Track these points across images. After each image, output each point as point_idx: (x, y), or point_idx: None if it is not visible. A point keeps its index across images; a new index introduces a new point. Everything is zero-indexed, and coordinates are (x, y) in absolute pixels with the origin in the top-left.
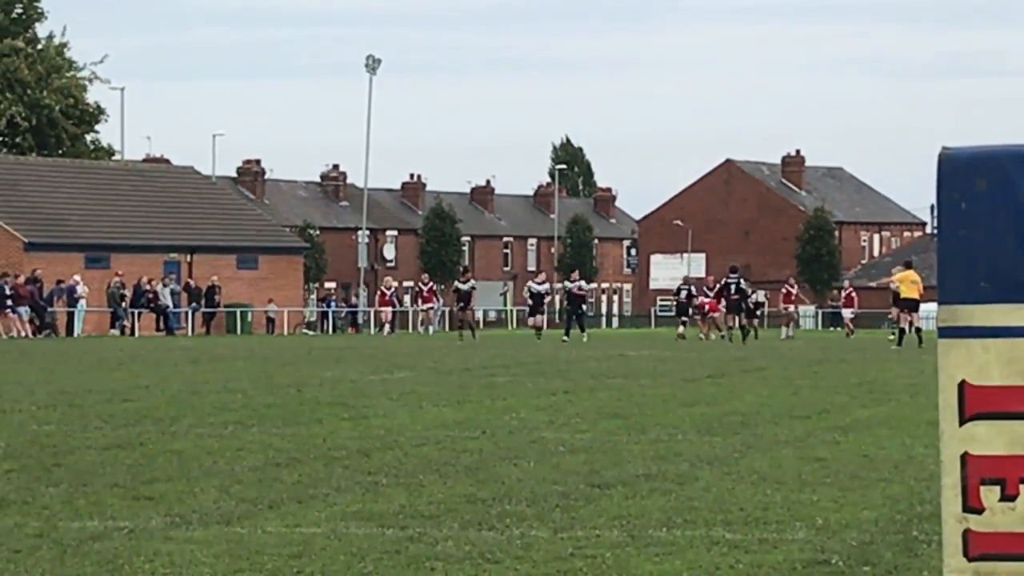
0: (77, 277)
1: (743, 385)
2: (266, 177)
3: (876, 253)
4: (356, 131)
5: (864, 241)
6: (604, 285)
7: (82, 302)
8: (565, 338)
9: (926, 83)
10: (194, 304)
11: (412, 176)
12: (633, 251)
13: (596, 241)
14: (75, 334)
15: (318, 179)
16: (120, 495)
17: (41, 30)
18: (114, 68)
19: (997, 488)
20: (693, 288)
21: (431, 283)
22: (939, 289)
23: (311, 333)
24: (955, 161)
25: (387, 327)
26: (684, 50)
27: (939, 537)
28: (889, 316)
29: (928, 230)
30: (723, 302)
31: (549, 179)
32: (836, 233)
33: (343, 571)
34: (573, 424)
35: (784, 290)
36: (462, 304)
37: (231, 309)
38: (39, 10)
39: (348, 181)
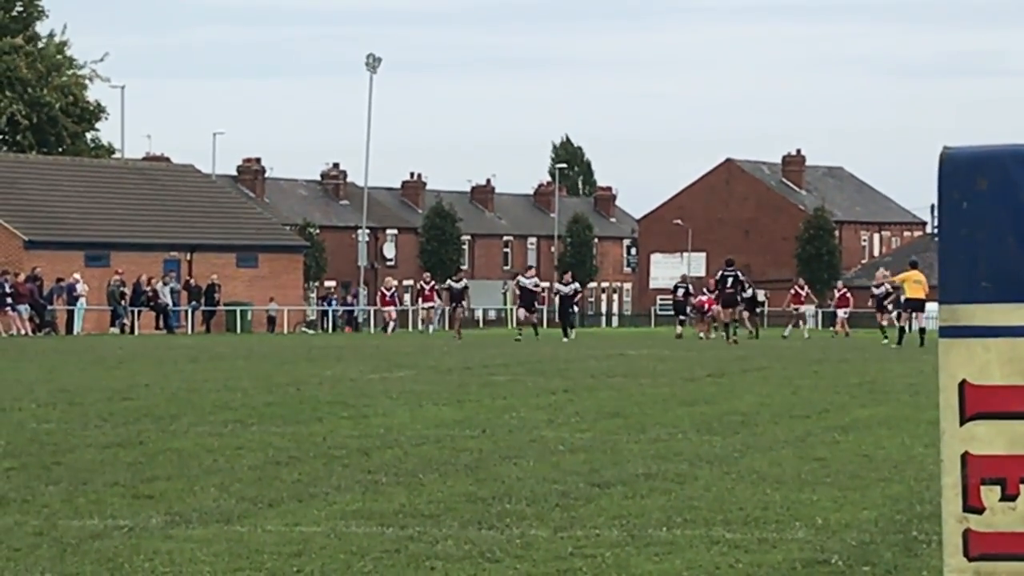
0: (77, 275)
1: (743, 384)
2: (266, 175)
3: (876, 253)
4: (356, 130)
5: (864, 241)
6: (604, 284)
7: (82, 300)
8: (569, 337)
9: (926, 83)
10: (194, 302)
11: (412, 175)
12: (633, 250)
13: (596, 240)
14: (75, 332)
15: (318, 178)
16: (120, 493)
17: (41, 28)
18: (114, 66)
19: (997, 488)
20: (691, 286)
21: (433, 282)
22: (940, 289)
23: (311, 332)
24: (956, 161)
25: (392, 325)
26: (684, 49)
27: (939, 537)
28: (877, 316)
29: (928, 230)
30: (719, 295)
31: (549, 178)
32: (836, 233)
33: (343, 570)
34: (573, 423)
35: (794, 290)
36: (455, 303)
37: (231, 308)
38: (39, 8)
39: (348, 180)
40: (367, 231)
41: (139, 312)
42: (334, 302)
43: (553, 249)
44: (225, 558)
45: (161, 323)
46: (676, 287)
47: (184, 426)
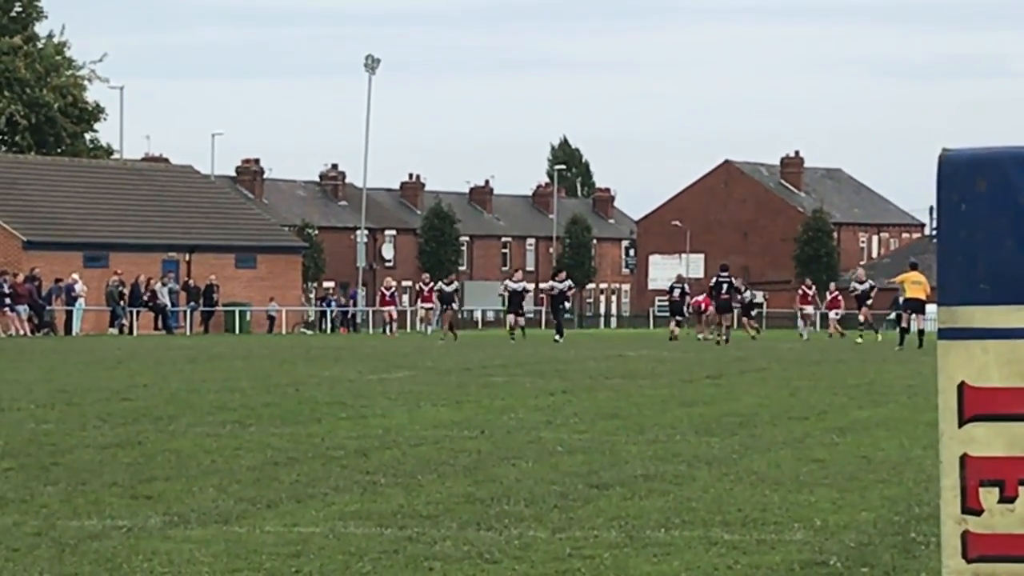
0: (76, 276)
1: (741, 386)
2: (265, 176)
3: (875, 254)
4: (355, 131)
5: (863, 242)
6: (603, 285)
7: (81, 301)
8: (558, 338)
9: (925, 84)
10: (192, 303)
11: (411, 176)
12: (632, 251)
13: (595, 241)
14: (74, 333)
15: (317, 178)
16: (118, 494)
17: (40, 29)
18: (113, 67)
19: (996, 490)
20: (686, 286)
21: (432, 283)
22: (939, 290)
23: (310, 332)
24: (955, 162)
25: (394, 326)
26: (683, 50)
27: (937, 538)
28: (860, 318)
29: (927, 232)
30: (714, 301)
31: (548, 179)
32: (835, 234)
33: (341, 571)
34: (571, 424)
35: (801, 291)
36: (445, 305)
37: (230, 308)
38: (38, 9)
39: (347, 180)
40: (366, 232)
41: (138, 313)
42: (333, 303)
43: (552, 250)
44: (223, 559)
45: (160, 324)
46: (672, 288)
47: (183, 427)
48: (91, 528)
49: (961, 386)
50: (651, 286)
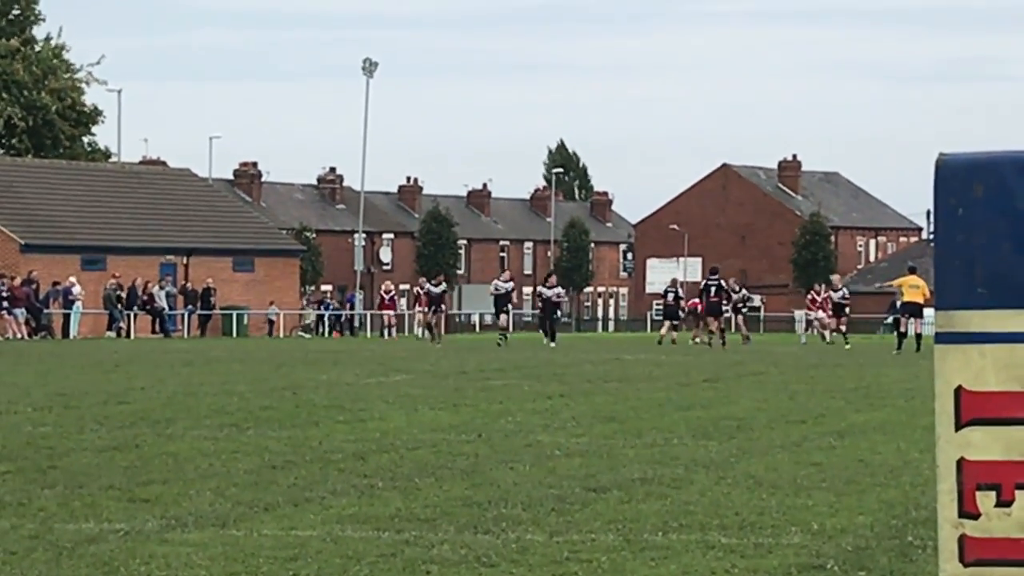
0: (73, 279)
1: (739, 389)
2: (263, 179)
3: (872, 258)
4: (353, 134)
5: (860, 246)
6: (600, 289)
7: (78, 304)
8: (552, 344)
9: (923, 89)
10: (190, 306)
11: (409, 179)
12: (629, 255)
13: (592, 245)
14: (71, 336)
15: (315, 182)
16: (116, 497)
17: (38, 31)
18: (111, 70)
19: (993, 493)
20: (680, 290)
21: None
22: (936, 294)
23: (307, 336)
24: (952, 167)
25: (394, 330)
26: (681, 54)
27: (934, 542)
28: (835, 322)
29: (924, 236)
30: (703, 304)
31: (545, 183)
32: (832, 238)
33: (338, 574)
34: (569, 428)
35: (811, 295)
36: (434, 307)
37: (227, 311)
38: (36, 12)
39: (345, 184)
40: (364, 235)
41: (135, 316)
42: (331, 306)
43: (549, 254)
44: (221, 562)
45: (157, 327)
46: (667, 292)
47: (180, 430)
48: (88, 531)
49: (958, 390)
50: (649, 290)
